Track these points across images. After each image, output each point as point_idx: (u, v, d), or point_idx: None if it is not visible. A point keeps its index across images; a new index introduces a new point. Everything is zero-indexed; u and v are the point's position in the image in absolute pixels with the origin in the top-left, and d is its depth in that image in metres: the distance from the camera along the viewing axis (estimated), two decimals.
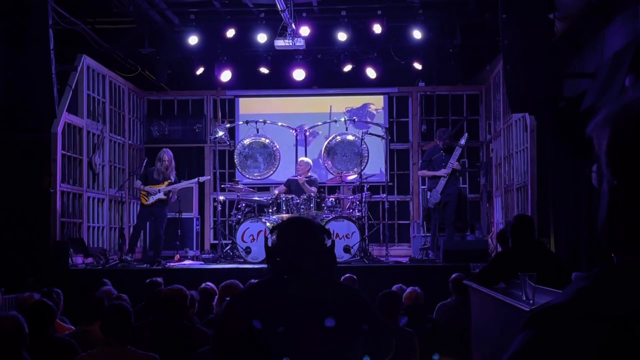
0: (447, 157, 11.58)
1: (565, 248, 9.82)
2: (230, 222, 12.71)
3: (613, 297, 1.16)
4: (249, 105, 15.15)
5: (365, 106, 15.04)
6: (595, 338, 1.12)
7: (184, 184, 11.83)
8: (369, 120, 14.54)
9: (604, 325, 1.13)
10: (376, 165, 14.00)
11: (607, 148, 1.26)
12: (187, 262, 11.76)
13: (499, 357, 5.00)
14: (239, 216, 11.92)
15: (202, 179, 12.45)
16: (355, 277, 7.95)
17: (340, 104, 14.91)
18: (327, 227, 10.54)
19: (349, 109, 14.77)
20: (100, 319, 4.72)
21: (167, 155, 11.61)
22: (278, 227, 3.33)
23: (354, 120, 13.09)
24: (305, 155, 13.10)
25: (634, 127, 1.22)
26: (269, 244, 3.30)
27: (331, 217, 11.32)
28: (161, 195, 11.36)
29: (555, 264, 6.04)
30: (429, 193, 11.77)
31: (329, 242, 3.29)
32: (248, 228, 11.39)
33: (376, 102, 15.09)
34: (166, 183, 11.44)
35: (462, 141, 11.69)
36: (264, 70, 13.72)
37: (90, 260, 11.33)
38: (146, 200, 11.40)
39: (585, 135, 1.31)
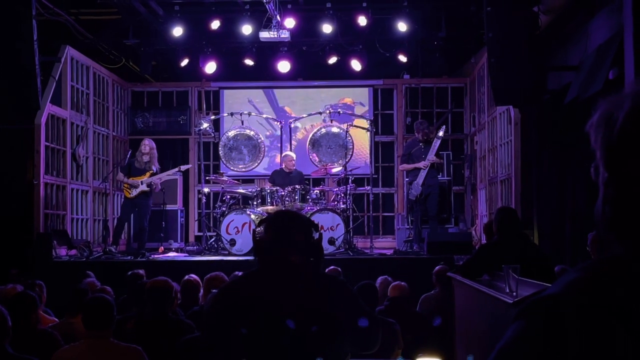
0: (427, 148, 11.52)
1: (548, 241, 9.87)
2: (214, 214, 12.67)
3: (605, 288, 1.17)
4: (233, 97, 15.09)
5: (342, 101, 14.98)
6: (586, 329, 1.13)
7: (165, 174, 11.76)
8: (354, 111, 14.54)
9: (595, 317, 1.13)
10: (361, 158, 14.00)
11: (600, 142, 1.26)
12: (171, 254, 11.74)
13: (482, 348, 5.03)
14: (224, 208, 11.89)
15: (183, 167, 12.32)
16: (339, 269, 7.94)
17: (325, 96, 14.89)
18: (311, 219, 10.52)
19: (328, 105, 14.68)
20: (83, 312, 4.70)
21: (144, 145, 11.56)
22: (266, 220, 3.33)
23: (338, 112, 13.08)
24: (290, 148, 13.10)
25: (626, 123, 1.22)
26: (257, 237, 3.30)
27: (316, 209, 11.31)
28: (144, 187, 11.31)
29: (538, 256, 6.06)
30: (410, 186, 11.74)
31: (316, 236, 3.29)
32: (233, 220, 11.37)
33: (358, 95, 15.05)
34: (148, 174, 11.39)
35: (441, 133, 11.67)
36: (248, 62, 13.66)
37: (74, 252, 11.28)
38: (129, 194, 11.36)
39: (568, 128, 1.32)
